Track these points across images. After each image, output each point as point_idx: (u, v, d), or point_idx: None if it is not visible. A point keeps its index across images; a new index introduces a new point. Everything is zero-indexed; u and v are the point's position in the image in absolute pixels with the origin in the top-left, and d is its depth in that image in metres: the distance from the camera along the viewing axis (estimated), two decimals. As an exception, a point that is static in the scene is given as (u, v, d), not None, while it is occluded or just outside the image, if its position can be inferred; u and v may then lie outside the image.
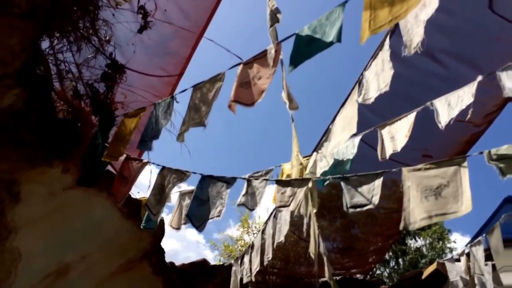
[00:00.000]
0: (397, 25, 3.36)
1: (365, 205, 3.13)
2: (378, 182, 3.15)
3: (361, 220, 7.05)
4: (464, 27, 3.87)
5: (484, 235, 4.76)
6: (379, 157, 3.60)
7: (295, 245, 7.54)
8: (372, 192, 3.13)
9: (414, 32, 3.15)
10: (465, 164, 2.85)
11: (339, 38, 3.29)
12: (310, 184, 3.74)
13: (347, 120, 4.02)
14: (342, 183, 3.36)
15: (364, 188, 3.16)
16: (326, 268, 3.34)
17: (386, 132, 3.70)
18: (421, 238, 15.35)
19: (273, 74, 3.80)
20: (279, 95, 3.72)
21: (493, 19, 3.65)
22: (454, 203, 2.67)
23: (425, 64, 4.10)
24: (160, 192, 4.57)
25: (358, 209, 3.18)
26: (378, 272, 14.44)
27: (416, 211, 2.79)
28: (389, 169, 3.34)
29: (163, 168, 4.63)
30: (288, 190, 3.89)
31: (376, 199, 3.10)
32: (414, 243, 15.40)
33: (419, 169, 2.97)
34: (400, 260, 14.91)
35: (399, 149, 3.49)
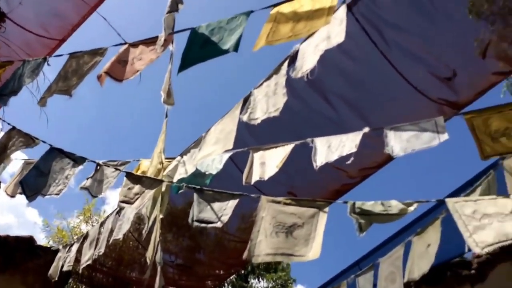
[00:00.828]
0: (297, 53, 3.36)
1: (212, 222, 2.92)
2: (232, 203, 2.95)
3: (209, 247, 6.85)
4: (366, 78, 3.99)
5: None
6: (244, 180, 3.43)
7: (132, 250, 7.33)
8: (223, 211, 2.92)
9: (308, 58, 3.13)
10: (326, 209, 2.78)
11: (236, 48, 3.26)
12: (163, 187, 3.45)
13: (223, 134, 3.87)
14: (195, 195, 3.11)
15: (216, 205, 2.94)
16: (157, 279, 3.23)
17: (258, 157, 3.55)
18: (265, 280, 15.70)
19: (154, 60, 3.77)
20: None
21: (394, 78, 3.81)
22: (303, 246, 2.57)
23: (317, 102, 4.13)
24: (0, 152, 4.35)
25: (203, 224, 2.98)
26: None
27: (263, 244, 2.62)
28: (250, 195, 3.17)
29: (13, 128, 4.41)
30: (137, 187, 3.56)
31: (225, 219, 2.90)
32: (257, 283, 15.68)
33: (278, 202, 2.83)
34: (237, 297, 15.01)
35: (266, 178, 3.35)
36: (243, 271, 14.52)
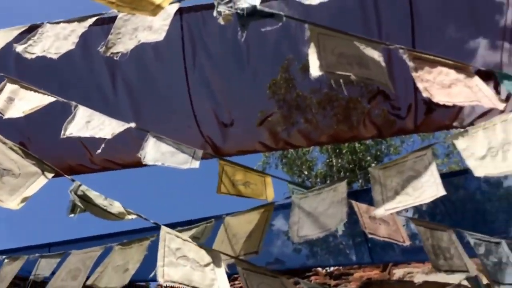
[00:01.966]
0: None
1: None
2: None
3: None
4: (159, 80, 4.13)
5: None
6: None
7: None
8: None
9: (124, 40, 3.08)
10: (49, 176, 2.68)
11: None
12: None
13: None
14: None
15: None
16: None
17: (10, 90, 3.20)
18: None
19: None
20: None
21: (182, 95, 4.05)
22: (8, 194, 2.45)
23: (102, 73, 4.06)
24: None
25: None
26: None
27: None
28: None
29: None
30: None
31: None
32: None
33: (5, 143, 2.60)
34: None
35: (5, 116, 3.04)
36: None
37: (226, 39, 3.78)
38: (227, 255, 3.09)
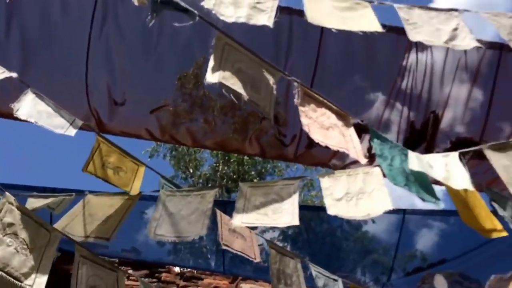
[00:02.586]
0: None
1: None
2: None
3: None
4: (57, 37, 3.91)
5: None
6: None
7: None
8: None
9: None
10: None
11: None
12: None
13: None
14: None
15: None
16: None
17: None
18: None
19: None
20: None
21: (79, 61, 3.86)
22: None
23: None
24: None
25: None
26: None
27: None
28: None
29: None
30: None
31: None
32: None
33: None
34: None
35: None
36: None
37: (140, 18, 3.68)
38: (70, 239, 2.96)
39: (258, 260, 3.96)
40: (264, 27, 2.90)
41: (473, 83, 4.04)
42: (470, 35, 2.94)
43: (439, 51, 3.89)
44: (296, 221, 2.93)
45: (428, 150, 4.18)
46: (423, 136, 4.17)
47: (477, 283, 6.71)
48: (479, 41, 3.63)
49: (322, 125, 2.77)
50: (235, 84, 2.42)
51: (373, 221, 7.30)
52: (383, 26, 3.45)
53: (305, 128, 2.61)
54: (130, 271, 6.16)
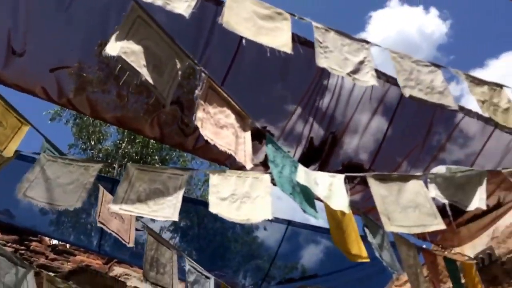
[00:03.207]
0: None
1: None
2: None
3: None
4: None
5: None
6: None
7: None
8: None
9: None
10: None
11: None
12: None
13: None
14: None
15: None
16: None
17: None
18: None
19: None
20: None
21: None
22: None
23: None
24: None
25: None
26: None
27: None
28: None
29: None
30: None
31: None
32: None
33: None
34: None
35: None
36: None
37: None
38: None
39: (131, 244, 3.86)
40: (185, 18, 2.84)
41: (374, 113, 4.28)
42: (373, 71, 3.10)
43: (349, 77, 4.07)
44: (175, 217, 2.89)
45: (322, 168, 4.35)
46: (319, 154, 4.33)
47: (343, 301, 7.14)
48: (385, 76, 3.88)
49: (217, 122, 2.76)
50: (135, 62, 2.32)
51: (265, 228, 7.49)
52: (300, 39, 3.56)
53: (198, 123, 2.59)
54: (-4, 233, 5.74)
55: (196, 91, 2.65)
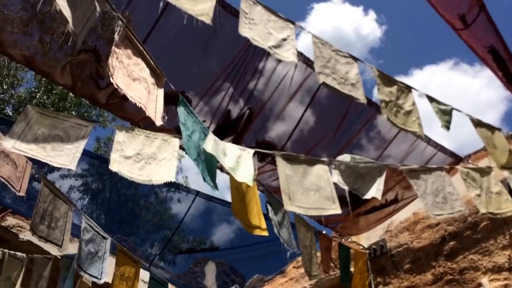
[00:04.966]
0: None
1: None
2: None
3: None
4: None
5: None
6: None
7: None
8: None
9: None
10: None
11: None
12: None
13: None
14: None
15: None
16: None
17: None
18: None
19: None
20: None
21: None
22: None
23: None
24: None
25: None
26: None
27: None
28: None
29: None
30: None
31: None
32: None
33: None
34: None
35: None
36: None
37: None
38: None
39: (22, 193, 3.65)
40: None
41: (292, 97, 4.37)
42: (294, 50, 3.15)
43: (273, 57, 4.10)
44: (73, 166, 2.77)
45: (236, 142, 4.38)
46: (234, 127, 4.35)
47: (241, 277, 7.34)
48: (307, 60, 3.95)
49: (130, 74, 2.67)
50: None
51: (179, 200, 7.46)
52: (231, 8, 3.52)
53: (110, 70, 2.48)
54: None
55: (115, 42, 2.53)
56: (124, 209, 8.18)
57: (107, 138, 12.69)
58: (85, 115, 10.64)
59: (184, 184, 12.64)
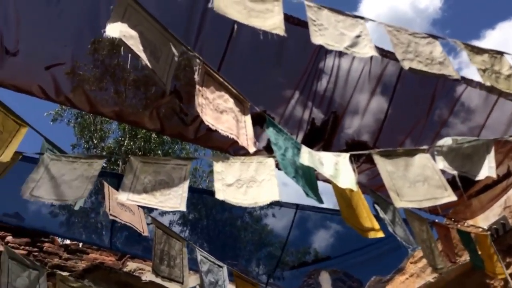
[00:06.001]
0: None
1: None
2: None
3: None
4: None
5: None
6: None
7: None
8: None
9: None
10: None
11: None
12: None
13: None
14: None
15: None
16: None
17: None
18: None
19: None
20: None
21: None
22: None
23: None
24: None
25: None
26: None
27: None
28: None
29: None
30: None
31: None
32: None
33: None
34: None
35: None
36: None
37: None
38: None
39: (146, 233, 3.92)
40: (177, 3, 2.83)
41: (373, 92, 4.28)
42: (371, 44, 3.08)
43: (346, 56, 4.05)
44: (183, 207, 2.92)
45: (326, 149, 4.36)
46: (322, 134, 4.34)
47: (358, 282, 7.18)
48: (382, 51, 3.85)
49: (217, 107, 2.77)
50: (135, 46, 2.33)
51: (274, 215, 7.53)
52: (293, 20, 3.55)
53: (198, 109, 2.60)
54: (9, 238, 5.80)
55: (195, 77, 2.65)
56: (223, 234, 8.40)
57: (193, 169, 13.24)
58: (169, 151, 11.19)
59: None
